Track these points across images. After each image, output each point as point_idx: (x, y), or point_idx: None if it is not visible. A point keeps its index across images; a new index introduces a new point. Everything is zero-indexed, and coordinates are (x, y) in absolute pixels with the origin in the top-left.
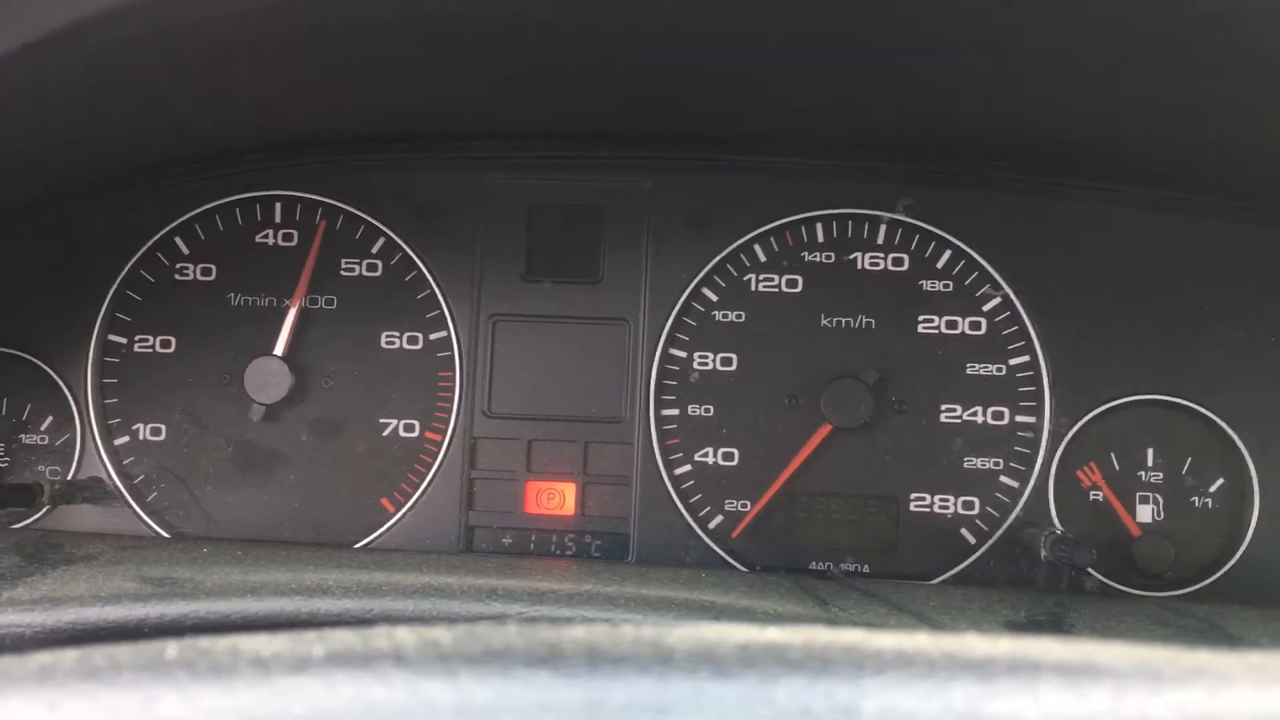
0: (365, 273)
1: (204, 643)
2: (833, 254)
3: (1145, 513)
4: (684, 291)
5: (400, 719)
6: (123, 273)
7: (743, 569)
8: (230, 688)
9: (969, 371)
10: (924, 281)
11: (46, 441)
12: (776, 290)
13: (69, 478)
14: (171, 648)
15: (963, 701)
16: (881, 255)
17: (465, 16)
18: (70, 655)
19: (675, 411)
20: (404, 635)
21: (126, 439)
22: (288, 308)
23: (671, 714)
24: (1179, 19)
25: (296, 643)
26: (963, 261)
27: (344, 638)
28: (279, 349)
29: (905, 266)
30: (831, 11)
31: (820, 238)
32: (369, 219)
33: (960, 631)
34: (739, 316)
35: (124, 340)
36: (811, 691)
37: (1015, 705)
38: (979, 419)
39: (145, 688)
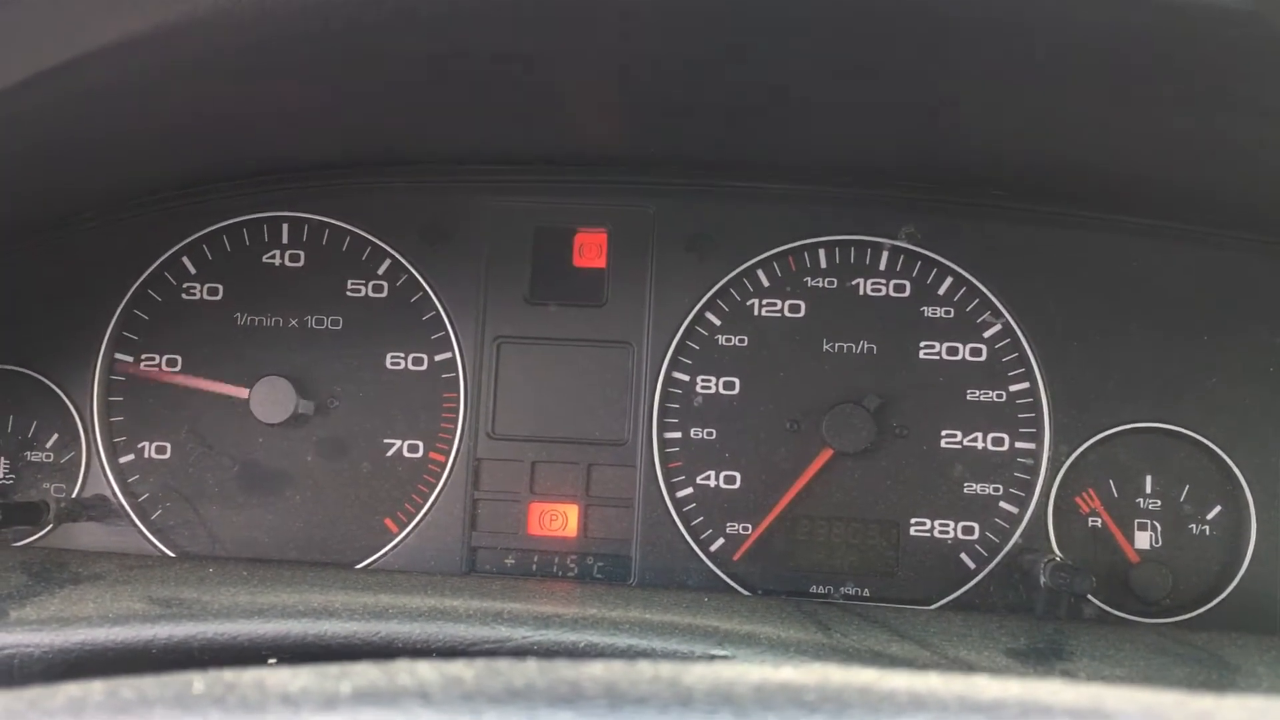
0: (371, 294)
1: (230, 677)
2: (835, 280)
3: (1143, 540)
4: (687, 315)
5: None
6: (130, 292)
7: (744, 592)
8: None
9: (969, 398)
10: (925, 308)
11: (52, 459)
12: (779, 315)
13: (74, 496)
14: (199, 682)
15: None
16: (883, 281)
17: (474, 47)
18: (99, 688)
19: (678, 434)
20: (427, 672)
21: (132, 457)
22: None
23: None
24: (1181, 55)
25: (323, 679)
26: (964, 289)
27: (368, 673)
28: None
29: (907, 293)
30: (835, 44)
31: (823, 263)
32: (375, 240)
33: (966, 665)
34: (742, 341)
35: (130, 359)
36: None
37: None
38: (979, 445)
39: None
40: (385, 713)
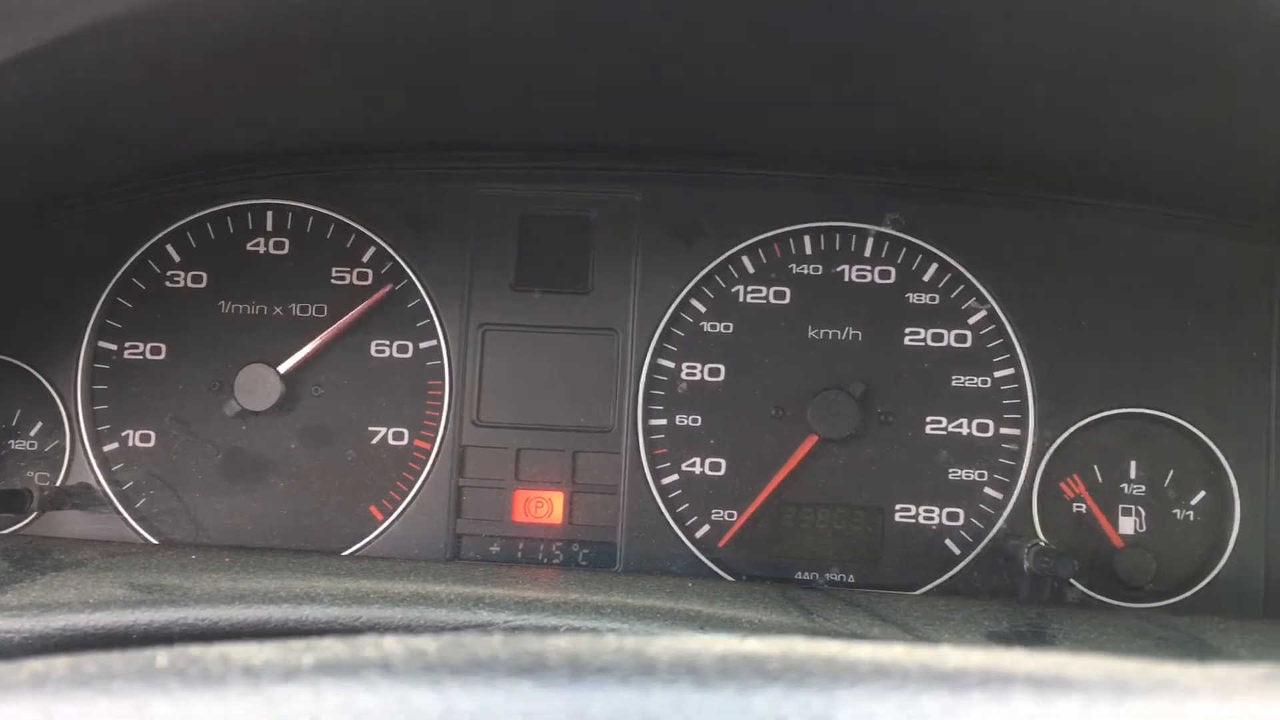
0: (356, 281)
1: (194, 651)
2: (820, 266)
3: (1128, 525)
4: (672, 302)
5: None
6: (114, 280)
7: (729, 578)
8: (221, 696)
9: (954, 384)
10: (910, 294)
11: (35, 447)
12: (764, 302)
13: (58, 484)
14: (162, 656)
15: (936, 713)
16: (869, 268)
17: (460, 31)
18: (62, 663)
19: (663, 421)
20: (391, 644)
21: (116, 445)
22: (315, 331)
23: None
24: (1172, 38)
25: (286, 651)
26: (949, 275)
27: (332, 646)
28: (285, 366)
29: (892, 279)
30: (821, 30)
31: (808, 250)
32: (360, 228)
33: (937, 643)
34: (727, 327)
35: (114, 347)
36: (788, 703)
37: (986, 716)
38: (964, 431)
39: (137, 695)
40: (345, 684)
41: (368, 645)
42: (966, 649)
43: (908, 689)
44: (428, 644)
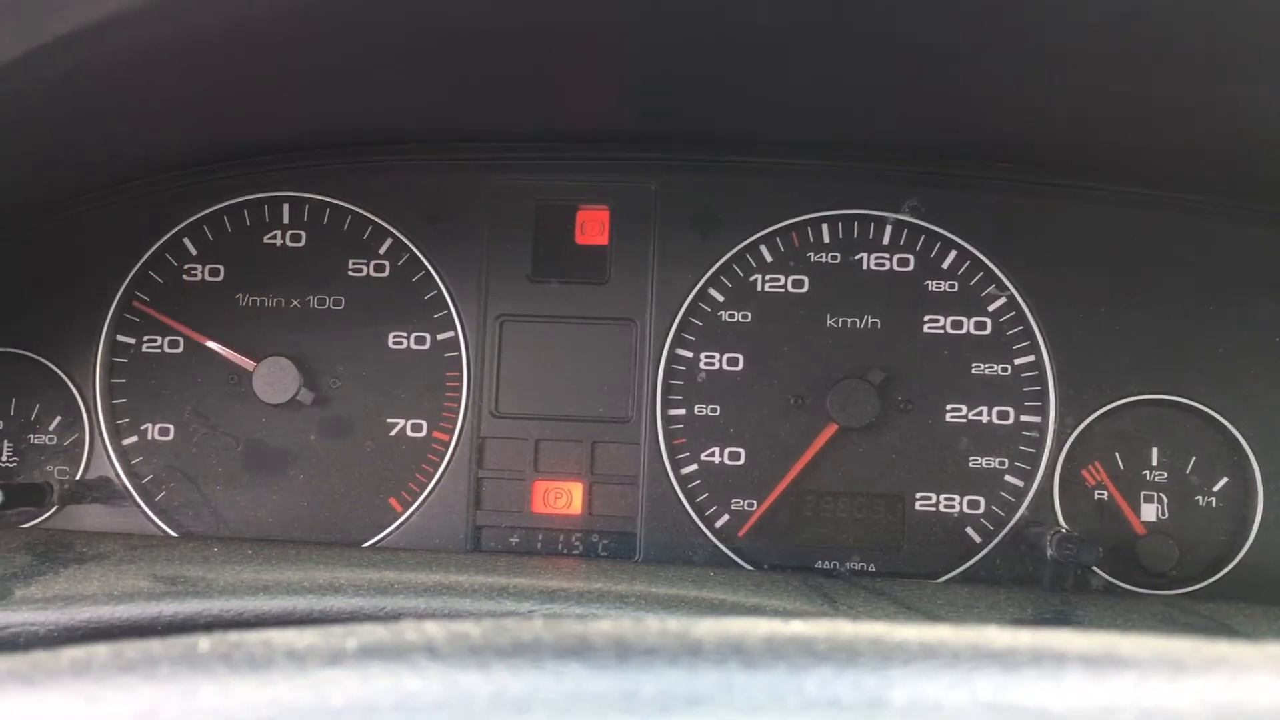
0: (373, 273)
1: (235, 636)
2: (838, 254)
3: (1150, 511)
4: (690, 292)
5: (438, 710)
6: (131, 273)
7: (749, 568)
8: (267, 679)
9: (974, 371)
10: (929, 282)
11: (55, 441)
12: (782, 290)
13: (78, 477)
14: (204, 642)
15: (988, 691)
16: (887, 256)
17: (475, 20)
18: (103, 650)
19: (682, 411)
20: (433, 629)
21: (135, 439)
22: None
23: (703, 704)
24: (1190, 20)
25: (329, 636)
26: (968, 262)
27: (374, 631)
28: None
29: (911, 267)
30: (839, 14)
31: (826, 238)
32: (377, 219)
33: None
34: (745, 317)
35: (132, 340)
36: (840, 681)
37: (1040, 693)
38: (984, 418)
39: (183, 680)
40: (393, 666)
41: (410, 630)
42: (1014, 629)
43: (960, 667)
44: (471, 628)
